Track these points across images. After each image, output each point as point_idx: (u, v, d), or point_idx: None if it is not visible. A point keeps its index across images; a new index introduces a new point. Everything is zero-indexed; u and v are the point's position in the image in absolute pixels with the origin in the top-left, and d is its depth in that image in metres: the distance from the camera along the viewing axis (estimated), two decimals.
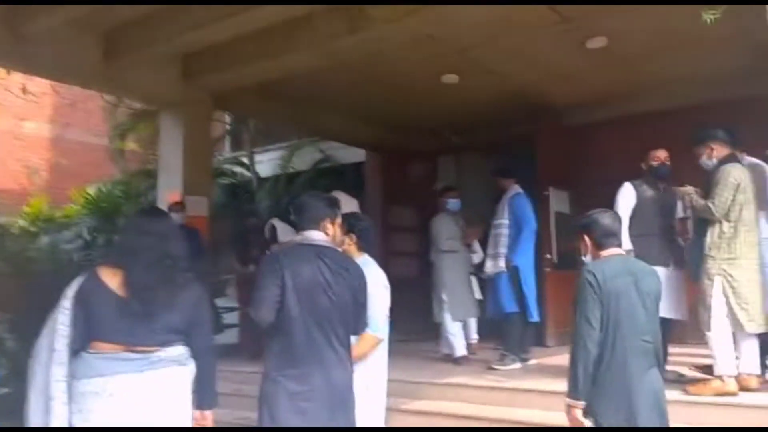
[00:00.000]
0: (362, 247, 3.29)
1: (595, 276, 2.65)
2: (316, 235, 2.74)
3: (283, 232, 6.03)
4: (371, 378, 3.13)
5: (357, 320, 2.81)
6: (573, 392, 2.67)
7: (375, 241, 3.36)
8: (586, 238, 2.80)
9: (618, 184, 7.50)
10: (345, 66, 6.50)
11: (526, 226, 5.62)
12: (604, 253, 2.75)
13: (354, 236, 3.25)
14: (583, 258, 2.87)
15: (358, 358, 2.95)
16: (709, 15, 3.58)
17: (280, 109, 7.90)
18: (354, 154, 9.90)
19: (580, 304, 2.66)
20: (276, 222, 6.21)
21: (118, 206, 8.81)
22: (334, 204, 2.96)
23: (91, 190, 9.38)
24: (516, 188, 5.82)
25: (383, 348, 3.23)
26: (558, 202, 7.33)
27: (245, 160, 10.50)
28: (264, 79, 6.70)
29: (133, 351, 2.45)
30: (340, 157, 10.16)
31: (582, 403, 2.65)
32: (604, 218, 2.77)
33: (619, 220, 2.80)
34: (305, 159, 10.29)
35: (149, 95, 6.97)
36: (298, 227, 2.80)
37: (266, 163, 10.71)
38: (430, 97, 7.63)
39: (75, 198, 9.41)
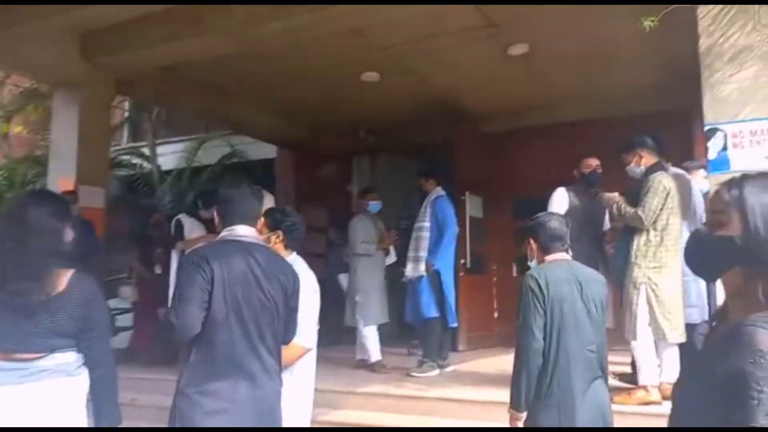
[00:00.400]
0: (290, 246, 3.00)
1: (538, 282, 2.51)
2: (246, 231, 2.43)
3: (191, 228, 5.60)
4: (297, 389, 2.84)
5: (287, 327, 2.52)
6: (515, 404, 2.51)
7: (303, 239, 3.07)
8: (532, 242, 2.66)
9: (531, 192, 7.69)
10: (262, 56, 6.16)
11: (448, 230, 5.50)
12: (550, 257, 2.62)
13: (281, 233, 2.96)
14: (529, 263, 2.73)
15: (282, 368, 2.65)
16: (649, 21, 3.58)
17: (188, 98, 7.40)
18: (264, 151, 9.51)
19: (523, 311, 2.50)
20: (183, 218, 5.75)
21: (1, 194, 7.95)
22: (261, 198, 2.66)
23: None
24: (438, 191, 5.69)
25: (311, 357, 2.95)
26: (473, 206, 7.33)
27: (146, 151, 9.83)
28: (172, 64, 6.22)
29: (9, 359, 2.09)
30: (250, 152, 9.74)
31: (524, 415, 2.50)
32: (552, 222, 2.64)
33: (566, 224, 2.68)
34: (212, 153, 9.79)
35: (42, 72, 6.30)
36: (225, 222, 2.45)
37: (169, 155, 10.11)
38: (349, 95, 7.42)
39: None
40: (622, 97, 7.01)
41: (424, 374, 5.23)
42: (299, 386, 2.87)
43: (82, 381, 2.23)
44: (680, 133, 6.62)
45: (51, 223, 2.26)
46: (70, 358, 2.20)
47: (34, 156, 8.41)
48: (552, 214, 2.75)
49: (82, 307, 2.20)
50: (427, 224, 5.57)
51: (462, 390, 4.67)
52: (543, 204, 7.38)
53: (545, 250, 2.63)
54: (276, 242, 2.92)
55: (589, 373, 2.50)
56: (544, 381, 2.45)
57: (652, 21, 3.61)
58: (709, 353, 1.18)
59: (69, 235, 2.37)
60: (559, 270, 2.56)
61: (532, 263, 2.71)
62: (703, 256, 1.22)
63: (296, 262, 2.91)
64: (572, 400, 2.43)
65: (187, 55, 5.93)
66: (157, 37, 5.63)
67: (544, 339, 2.46)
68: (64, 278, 2.20)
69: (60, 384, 2.16)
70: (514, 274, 7.50)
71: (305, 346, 2.82)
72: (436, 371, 5.32)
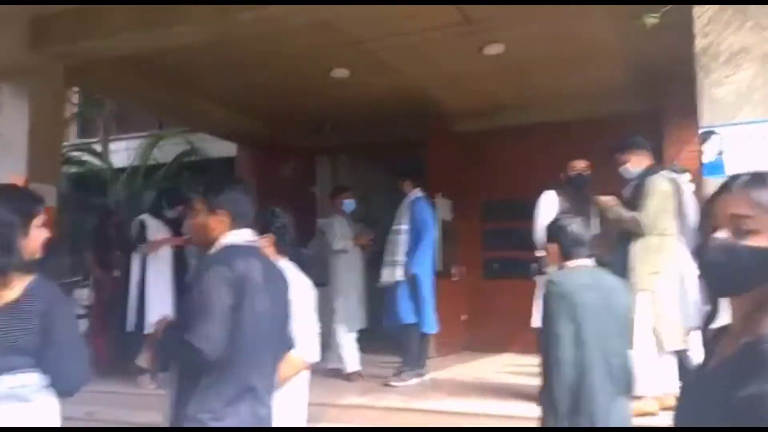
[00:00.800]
0: (281, 250, 2.74)
1: (561, 287, 2.33)
2: (251, 235, 2.17)
3: (156, 230, 5.25)
4: (292, 405, 2.59)
5: (286, 339, 2.28)
6: (554, 421, 2.29)
7: (295, 242, 2.82)
8: (552, 246, 2.49)
9: (500, 194, 7.61)
10: (227, 49, 5.84)
11: (427, 233, 5.31)
12: (571, 263, 2.45)
13: (272, 236, 2.70)
14: (545, 270, 2.55)
15: (279, 384, 2.40)
16: (650, 18, 3.48)
17: (146, 90, 7.00)
18: (224, 149, 9.15)
19: (550, 320, 2.32)
20: (147, 219, 5.39)
21: None
22: None
23: None
24: (417, 192, 5.50)
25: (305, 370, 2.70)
26: (443, 209, 7.18)
27: (97, 147, 9.32)
28: (132, 54, 5.84)
29: None
30: (208, 150, 9.36)
31: None
32: (573, 225, 2.47)
33: (589, 227, 2.52)
34: (168, 151, 9.37)
35: None
36: (233, 224, 2.13)
37: (121, 152, 9.63)
38: (316, 93, 7.16)
39: None
40: (594, 98, 7.00)
41: (403, 383, 5.03)
42: (294, 401, 2.62)
43: (43, 407, 1.91)
44: (648, 136, 6.65)
45: (9, 221, 1.94)
46: (27, 380, 1.88)
47: None
48: (573, 217, 2.57)
49: (41, 319, 1.88)
50: (404, 227, 5.37)
51: (445, 401, 4.51)
52: (512, 207, 7.41)
53: (567, 255, 2.45)
54: (267, 246, 2.66)
55: (614, 389, 2.34)
56: (571, 396, 2.27)
57: (655, 17, 3.50)
58: (721, 370, 1.02)
59: (39, 236, 2.06)
60: (583, 276, 2.39)
61: (549, 269, 2.53)
62: (734, 270, 1.04)
63: (289, 267, 2.66)
64: (598, 416, 2.26)
65: (150, 45, 5.55)
66: (118, 25, 5.24)
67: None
68: (20, 285, 1.90)
69: (13, 412, 1.83)
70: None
71: (307, 359, 2.57)
72: (415, 380, 5.12)
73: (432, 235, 5.40)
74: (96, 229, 6.40)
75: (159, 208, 5.45)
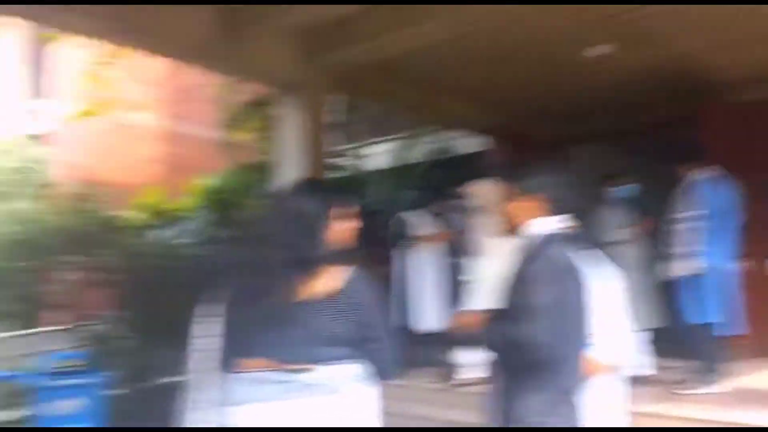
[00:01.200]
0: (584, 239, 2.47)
1: None
2: (565, 222, 1.98)
3: (418, 225, 5.35)
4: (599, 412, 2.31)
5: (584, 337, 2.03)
6: None
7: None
8: None
9: None
10: (471, 41, 5.69)
11: (720, 220, 4.59)
12: None
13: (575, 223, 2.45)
14: None
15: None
16: None
17: (396, 93, 7.20)
18: (471, 144, 9.13)
19: None
20: (409, 216, 5.54)
21: (239, 198, 8.37)
22: None
23: (208, 182, 9.02)
24: (700, 173, 4.81)
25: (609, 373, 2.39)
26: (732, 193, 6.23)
27: (357, 152, 9.91)
28: (383, 58, 6.00)
29: (276, 369, 1.80)
30: (456, 147, 9.43)
31: None
32: None
33: None
34: (421, 149, 9.66)
35: (270, 75, 6.29)
36: (558, 212, 1.96)
37: (379, 155, 10.13)
38: (565, 76, 6.69)
39: (192, 189, 9.02)
40: None
41: (695, 391, 4.41)
42: (601, 408, 2.33)
43: (354, 399, 1.88)
44: None
45: (320, 212, 1.98)
46: (339, 371, 1.86)
47: (259, 162, 8.71)
48: None
49: (360, 312, 1.87)
50: (686, 215, 4.71)
51: (757, 414, 3.83)
52: None
53: None
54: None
55: None
56: None
57: None
58: None
59: (345, 227, 2.06)
60: None
61: None
62: None
63: (593, 258, 2.39)
64: None
65: (401, 46, 5.66)
66: (373, 30, 5.43)
67: None
68: (335, 276, 1.89)
69: (322, 403, 1.82)
70: None
71: (605, 361, 2.27)
72: (709, 388, 4.45)
73: (726, 222, 4.66)
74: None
75: (419, 206, 5.55)
